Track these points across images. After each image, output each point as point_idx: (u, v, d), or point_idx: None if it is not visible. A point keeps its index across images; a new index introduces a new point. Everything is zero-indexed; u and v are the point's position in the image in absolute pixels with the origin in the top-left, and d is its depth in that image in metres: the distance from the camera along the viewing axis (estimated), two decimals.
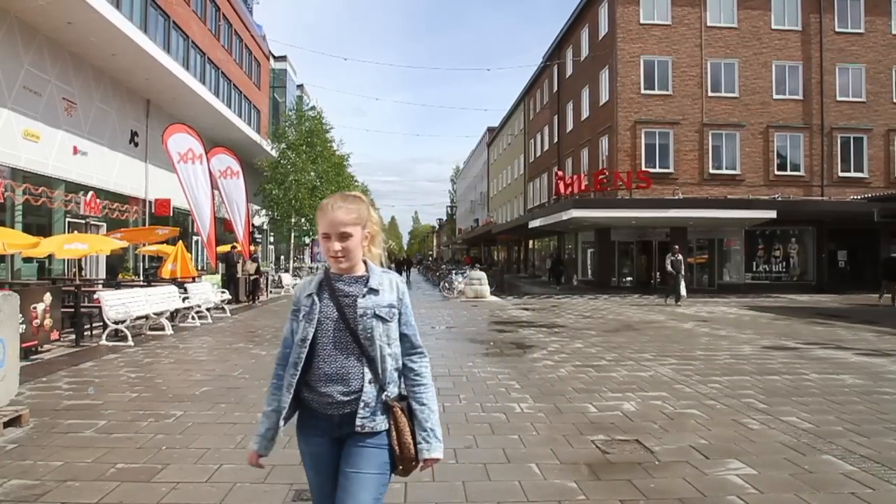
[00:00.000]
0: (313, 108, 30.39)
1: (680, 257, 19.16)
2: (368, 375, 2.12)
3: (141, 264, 20.83)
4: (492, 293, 22.69)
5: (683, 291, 19.06)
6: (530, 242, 44.55)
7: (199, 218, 16.85)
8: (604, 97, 28.46)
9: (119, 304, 10.28)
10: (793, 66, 27.64)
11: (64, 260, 15.64)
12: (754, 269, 26.89)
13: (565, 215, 23.69)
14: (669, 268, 18.94)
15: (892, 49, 27.92)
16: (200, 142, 16.89)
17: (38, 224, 15.51)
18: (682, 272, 19.02)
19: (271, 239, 40.11)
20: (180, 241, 16.95)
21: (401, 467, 2.17)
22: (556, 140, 36.51)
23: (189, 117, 19.38)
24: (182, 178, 16.25)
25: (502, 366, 8.31)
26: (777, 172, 27.31)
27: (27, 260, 14.84)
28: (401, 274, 40.78)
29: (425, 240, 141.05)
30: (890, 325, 13.25)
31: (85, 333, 10.50)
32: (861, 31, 27.90)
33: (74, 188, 16.93)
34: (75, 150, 16.92)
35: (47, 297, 9.05)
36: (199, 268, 22.63)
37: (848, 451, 4.67)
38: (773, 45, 27.50)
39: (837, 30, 27.76)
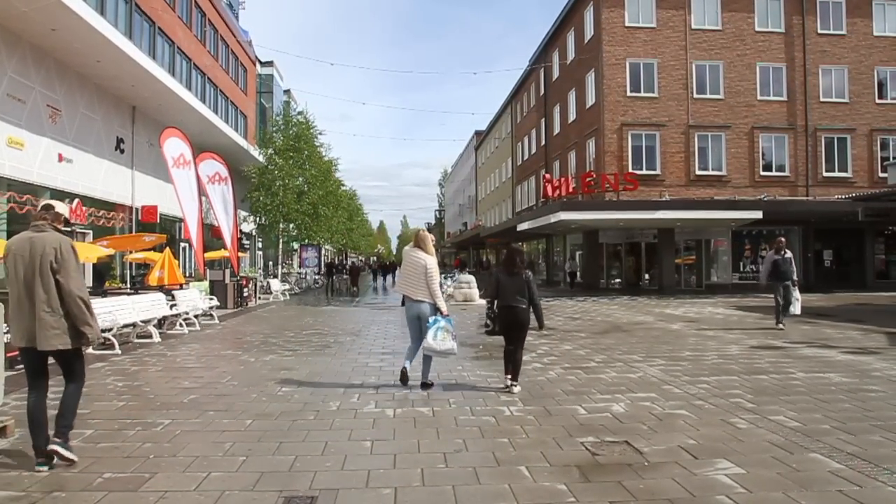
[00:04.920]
0: (300, 112, 30.24)
1: (789, 255, 12.89)
2: None
3: (128, 272, 20.66)
4: (481, 296, 22.68)
5: (796, 308, 12.67)
6: (519, 245, 44.65)
7: (190, 224, 16.77)
8: (590, 100, 28.60)
9: (106, 312, 10.18)
10: (777, 68, 27.91)
11: None
12: (741, 269, 27.10)
13: (553, 218, 23.77)
14: (766, 277, 12.93)
15: (874, 50, 28.27)
16: (190, 147, 16.83)
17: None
18: (795, 277, 12.89)
19: (259, 245, 39.95)
20: (167, 248, 16.83)
21: None
22: (543, 143, 36.64)
23: (175, 124, 19.24)
24: (176, 184, 16.18)
25: (492, 369, 8.31)
26: (763, 173, 27.54)
27: None
28: (385, 277, 41.26)
29: None
30: (875, 324, 13.39)
31: None
32: (843, 32, 28.23)
33: (60, 196, 16.76)
34: (60, 158, 16.79)
35: None
36: (187, 274, 22.50)
37: (835, 449, 4.71)
38: (757, 47, 27.76)
39: (820, 31, 28.07)
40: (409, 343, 7.37)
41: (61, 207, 4.72)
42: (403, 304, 7.18)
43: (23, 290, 4.41)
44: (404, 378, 7.12)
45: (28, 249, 4.42)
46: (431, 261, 6.91)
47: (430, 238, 7.15)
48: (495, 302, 7.06)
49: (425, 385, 7.04)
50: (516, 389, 6.85)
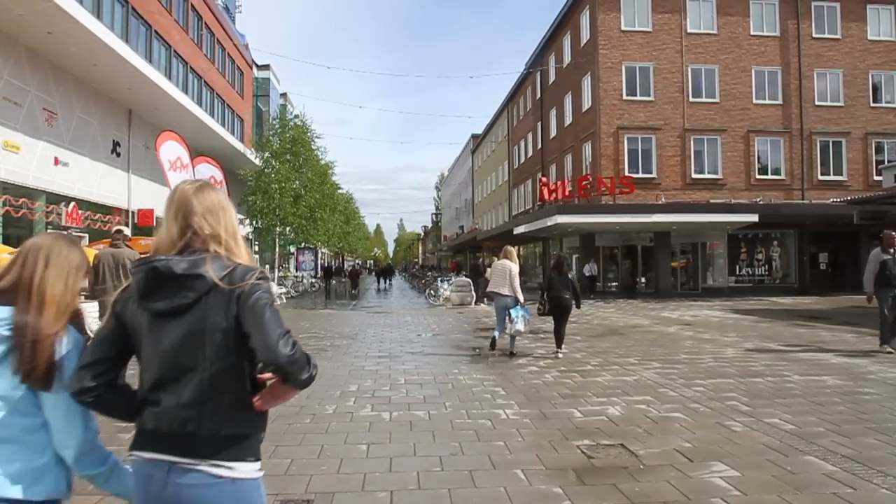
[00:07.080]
0: (297, 116, 30.22)
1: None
2: None
3: None
4: (478, 299, 22.67)
5: None
6: (516, 249, 44.65)
7: None
8: (586, 103, 28.67)
9: (100, 314, 10.15)
10: (772, 72, 28.03)
11: None
12: (737, 272, 27.14)
13: (550, 221, 23.79)
14: (872, 282, 9.92)
15: (868, 54, 28.41)
16: (188, 150, 16.79)
17: (19, 236, 15.31)
18: None
19: (256, 248, 39.88)
20: None
21: None
22: (539, 146, 36.70)
23: (172, 127, 19.21)
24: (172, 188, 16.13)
25: (488, 372, 8.32)
26: (758, 176, 27.63)
27: None
28: (386, 280, 40.93)
29: (411, 247, 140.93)
30: (870, 327, 13.38)
31: None
32: (838, 36, 28.36)
33: (56, 199, 16.75)
34: (56, 161, 16.76)
35: None
36: None
37: (830, 451, 4.72)
38: (753, 51, 27.88)
39: (815, 35, 28.20)
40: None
41: (128, 231, 7.20)
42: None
43: (110, 287, 6.67)
44: (493, 344, 10.11)
45: (111, 259, 6.92)
46: (514, 267, 9.90)
47: (513, 251, 10.36)
48: (544, 293, 9.83)
49: (512, 354, 9.72)
50: (561, 355, 9.52)
